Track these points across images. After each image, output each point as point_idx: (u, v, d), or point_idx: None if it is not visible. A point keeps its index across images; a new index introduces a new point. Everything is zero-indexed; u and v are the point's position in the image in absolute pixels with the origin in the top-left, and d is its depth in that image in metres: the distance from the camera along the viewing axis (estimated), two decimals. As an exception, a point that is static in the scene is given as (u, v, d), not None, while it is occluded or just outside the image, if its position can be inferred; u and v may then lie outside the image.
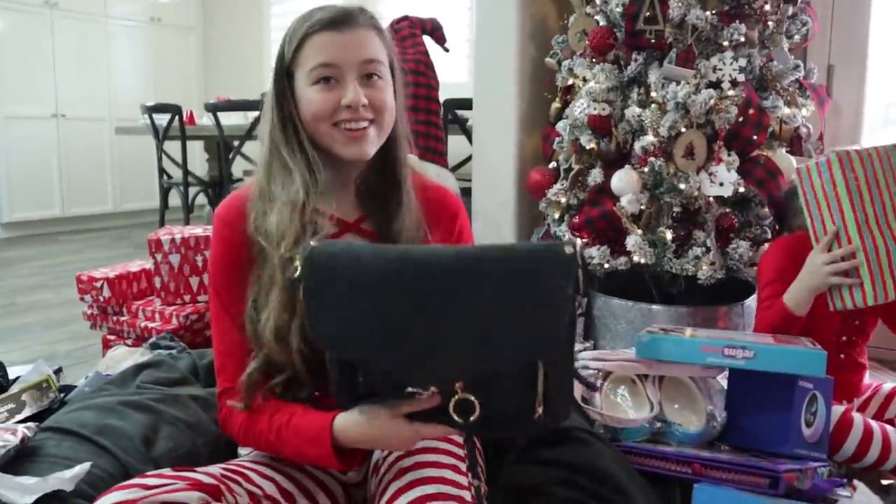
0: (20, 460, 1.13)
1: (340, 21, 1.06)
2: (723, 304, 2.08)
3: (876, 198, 1.43)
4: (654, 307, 2.13)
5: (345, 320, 0.89)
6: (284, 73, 1.09)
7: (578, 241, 0.90)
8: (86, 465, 1.07)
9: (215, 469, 1.03)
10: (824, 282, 1.46)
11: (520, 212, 2.45)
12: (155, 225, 4.98)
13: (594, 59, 2.14)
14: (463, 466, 1.00)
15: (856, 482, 1.26)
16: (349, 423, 0.97)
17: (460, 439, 1.06)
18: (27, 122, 5.32)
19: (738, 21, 1.98)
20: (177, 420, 1.28)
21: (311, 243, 0.93)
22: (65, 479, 1.03)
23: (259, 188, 1.11)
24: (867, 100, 2.55)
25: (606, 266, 2.09)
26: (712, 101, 1.94)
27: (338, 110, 1.05)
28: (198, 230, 2.11)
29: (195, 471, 0.99)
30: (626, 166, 2.06)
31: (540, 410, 0.89)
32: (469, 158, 3.71)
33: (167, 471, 0.97)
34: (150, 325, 2.04)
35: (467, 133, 3.62)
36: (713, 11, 1.99)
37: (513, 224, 2.43)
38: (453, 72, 4.05)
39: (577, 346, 2.21)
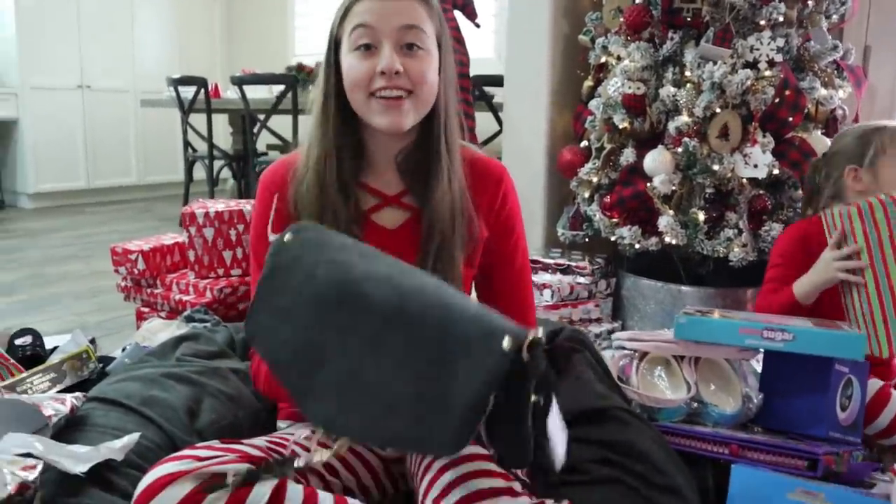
0: (70, 429, 1.16)
1: None
2: (752, 287, 2.08)
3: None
4: (684, 288, 2.13)
5: (272, 329, 0.93)
6: (333, 43, 1.11)
7: (538, 334, 0.74)
8: (135, 436, 1.09)
9: (261, 441, 1.04)
10: (833, 276, 1.48)
11: (550, 190, 2.44)
12: (178, 198, 5.03)
13: (629, 37, 2.12)
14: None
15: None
16: None
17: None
18: (53, 92, 5.36)
19: (776, 0, 1.95)
20: (219, 392, 1.31)
21: (286, 237, 0.96)
22: (115, 448, 1.06)
23: (302, 157, 1.14)
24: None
25: (637, 246, 2.09)
26: (749, 82, 1.92)
27: (374, 78, 1.05)
28: (231, 204, 2.12)
29: (242, 443, 1.00)
30: (660, 146, 2.05)
31: None
32: (496, 135, 3.72)
33: (216, 443, 0.99)
34: (184, 298, 2.07)
35: (493, 109, 3.61)
36: (752, -10, 1.97)
37: (542, 202, 2.42)
38: (479, 48, 4.02)
39: (606, 326, 2.22)
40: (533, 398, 0.75)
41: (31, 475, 0.90)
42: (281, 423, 1.23)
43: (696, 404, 1.31)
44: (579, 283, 2.22)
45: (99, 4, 5.56)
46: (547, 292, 2.15)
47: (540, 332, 0.75)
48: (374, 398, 0.81)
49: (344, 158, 1.11)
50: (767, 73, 1.95)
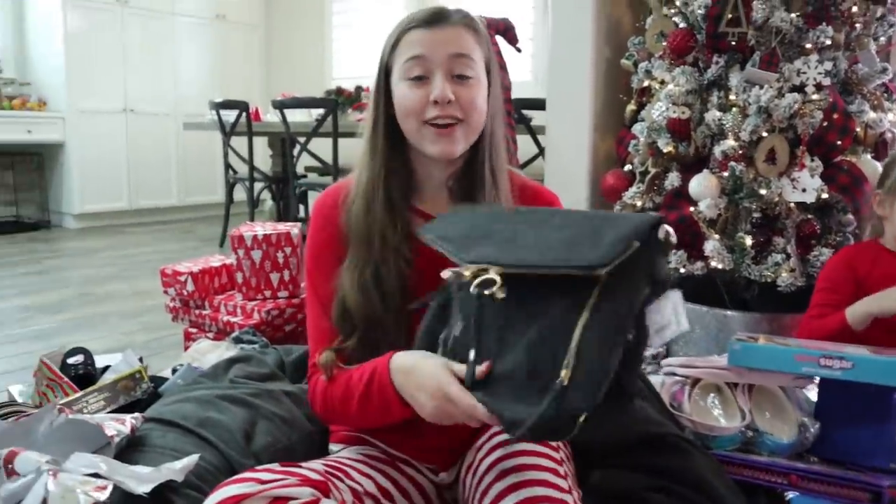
0: (130, 450, 1.18)
1: (434, 19, 1.09)
2: (799, 312, 2.05)
3: None
4: (730, 313, 2.11)
5: (444, 224, 1.05)
6: (384, 71, 1.13)
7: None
8: (194, 457, 1.11)
9: (318, 465, 1.05)
10: (890, 308, 1.45)
11: (592, 214, 2.44)
12: (217, 219, 5.11)
13: (673, 62, 2.12)
14: (562, 470, 1.01)
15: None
16: (401, 361, 0.99)
17: (556, 442, 1.08)
18: (98, 116, 5.50)
19: (824, 23, 1.94)
20: (273, 415, 1.32)
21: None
22: (175, 469, 1.07)
23: (354, 181, 1.16)
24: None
25: (683, 271, 2.07)
26: (796, 106, 1.91)
27: (427, 107, 1.07)
28: (279, 227, 2.16)
29: (301, 466, 1.01)
30: (705, 171, 2.04)
31: (563, 375, 0.77)
32: (534, 158, 3.73)
33: (275, 466, 1.00)
34: (232, 319, 2.09)
35: (532, 132, 3.62)
36: (798, 14, 1.96)
37: (584, 226, 2.42)
38: (517, 71, 4.04)
39: (651, 351, 2.20)
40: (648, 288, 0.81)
41: (103, 496, 0.92)
42: (333, 447, 1.24)
43: (751, 433, 1.29)
44: (623, 307, 2.19)
45: (143, 32, 5.71)
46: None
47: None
48: (531, 247, 0.90)
49: (393, 183, 1.13)
50: (815, 96, 1.93)
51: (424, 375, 0.94)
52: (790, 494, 1.16)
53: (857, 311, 1.51)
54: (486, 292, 0.88)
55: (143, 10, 5.69)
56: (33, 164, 5.53)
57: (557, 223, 0.93)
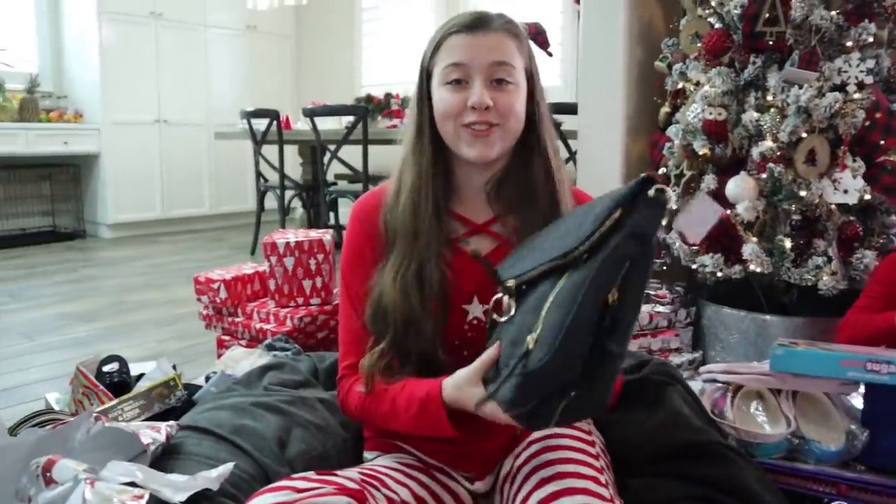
0: (165, 457, 1.18)
1: (475, 24, 1.08)
2: (840, 316, 1.99)
3: None
4: (769, 317, 2.06)
5: None
6: (425, 74, 1.13)
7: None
8: (229, 466, 1.10)
9: (354, 473, 1.04)
10: None
11: (625, 218, 2.40)
12: (248, 227, 5.15)
13: (709, 63, 2.08)
14: (603, 478, 0.98)
15: None
16: (453, 381, 1.00)
17: (596, 450, 1.05)
18: (132, 127, 5.58)
19: (866, 20, 1.89)
20: (307, 422, 1.31)
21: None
22: (211, 478, 1.07)
23: (394, 184, 1.16)
24: None
25: (720, 274, 2.03)
26: (837, 105, 1.86)
27: (464, 111, 1.07)
28: (311, 234, 2.16)
29: (337, 475, 1.00)
30: (742, 172, 2.00)
31: (529, 339, 0.84)
32: (567, 161, 3.70)
33: (311, 474, 0.98)
34: (265, 326, 2.10)
35: (562, 136, 3.60)
36: (838, 11, 1.91)
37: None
38: (545, 76, 4.02)
39: (687, 356, 2.16)
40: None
41: (139, 504, 0.91)
42: (367, 455, 1.23)
43: (796, 440, 1.25)
44: (658, 312, 2.17)
45: (176, 43, 5.79)
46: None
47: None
48: (534, 256, 0.95)
49: (437, 186, 1.13)
50: (857, 95, 1.88)
51: (465, 398, 0.98)
52: (839, 505, 1.12)
53: None
54: (494, 316, 0.96)
55: (175, 23, 5.77)
56: (69, 175, 5.62)
57: (563, 222, 0.97)
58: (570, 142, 3.53)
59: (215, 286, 2.19)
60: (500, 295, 0.96)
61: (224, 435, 1.24)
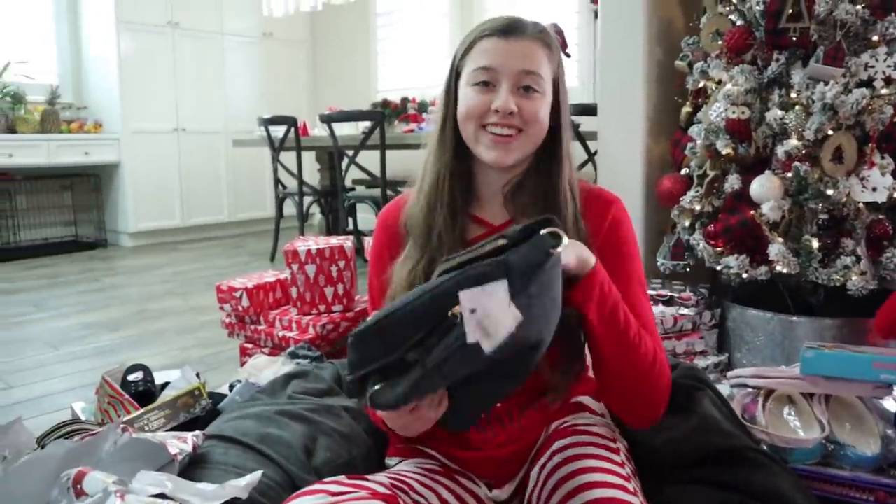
0: (192, 467, 1.18)
1: (508, 30, 1.08)
2: (871, 317, 1.96)
3: None
4: (796, 319, 2.03)
5: None
6: (454, 74, 1.13)
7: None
8: (258, 474, 1.10)
9: (383, 478, 1.04)
10: None
11: (648, 219, 2.38)
12: (267, 234, 5.17)
13: (731, 61, 2.06)
14: (631, 486, 0.97)
15: None
16: None
17: (621, 457, 1.04)
18: (151, 136, 5.63)
19: (892, 14, 1.86)
20: (332, 431, 1.31)
21: None
22: (240, 486, 1.06)
23: (417, 182, 1.17)
24: None
25: (745, 276, 2.00)
26: (864, 101, 1.83)
27: (487, 113, 1.07)
28: (332, 241, 2.15)
29: (367, 479, 1.00)
30: (767, 172, 1.97)
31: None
32: (584, 163, 3.68)
33: (343, 478, 0.99)
34: (288, 334, 2.10)
35: (581, 138, 3.58)
36: (864, 5, 1.88)
37: (641, 231, 2.36)
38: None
39: (713, 359, 2.13)
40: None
41: (168, 517, 0.91)
42: (389, 461, 1.22)
43: (831, 445, 1.23)
44: (683, 315, 2.14)
45: (193, 52, 5.83)
46: (650, 325, 2.08)
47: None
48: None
49: (455, 185, 1.13)
50: (885, 90, 1.85)
51: None
52: (878, 511, 1.09)
53: None
54: None
55: (192, 31, 5.81)
56: (91, 184, 5.68)
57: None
58: (590, 143, 3.50)
59: (237, 294, 2.20)
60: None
61: (251, 443, 1.24)
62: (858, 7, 1.88)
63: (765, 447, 1.24)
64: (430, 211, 1.12)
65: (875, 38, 1.88)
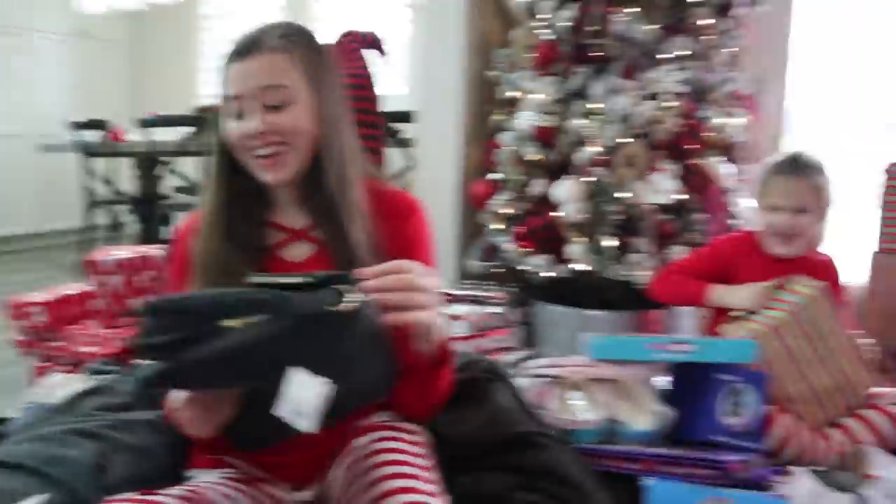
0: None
1: (244, 49, 1.06)
2: (658, 308, 2.15)
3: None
4: (590, 313, 2.19)
5: None
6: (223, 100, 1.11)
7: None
8: (44, 497, 1.04)
9: (178, 490, 1.01)
10: (749, 305, 1.55)
11: (462, 223, 2.48)
12: (77, 245, 4.82)
13: (539, 73, 2.19)
14: (427, 475, 1.01)
15: (790, 467, 1.32)
16: None
17: (420, 449, 1.08)
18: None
19: (679, 35, 2.06)
20: (128, 447, 1.25)
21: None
22: (20, 512, 1.00)
23: (203, 206, 1.15)
24: (788, 111, 2.69)
25: (549, 274, 2.14)
26: (653, 113, 2.01)
27: (247, 139, 1.07)
28: (139, 250, 2.06)
29: (159, 493, 0.97)
30: (568, 176, 2.11)
31: None
32: (404, 171, 3.74)
33: (134, 495, 0.95)
34: (90, 349, 1.98)
35: (401, 145, 3.62)
36: (655, 26, 2.07)
37: (455, 235, 2.45)
38: (392, 84, 4.06)
39: (520, 354, 2.25)
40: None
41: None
42: (188, 474, 1.19)
43: (613, 424, 1.35)
44: (492, 314, 2.25)
45: (-4, 48, 5.33)
46: (460, 324, 2.17)
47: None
48: None
49: (240, 204, 1.12)
50: (670, 104, 2.04)
51: None
52: (649, 480, 1.21)
53: (721, 296, 1.62)
54: None
55: (-4, 27, 5.32)
56: None
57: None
58: (410, 150, 3.57)
59: (33, 310, 2.04)
60: None
61: (36, 467, 1.16)
62: (650, 27, 2.06)
63: (556, 430, 1.33)
64: (217, 237, 1.10)
65: (664, 56, 2.07)
